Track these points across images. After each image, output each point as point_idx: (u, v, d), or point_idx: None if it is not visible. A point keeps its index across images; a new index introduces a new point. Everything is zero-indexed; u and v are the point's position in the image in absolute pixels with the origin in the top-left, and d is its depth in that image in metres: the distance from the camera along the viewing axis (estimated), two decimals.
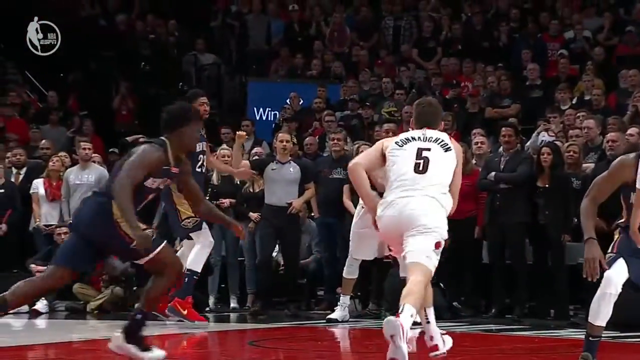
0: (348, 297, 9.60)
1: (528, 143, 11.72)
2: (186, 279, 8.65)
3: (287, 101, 14.80)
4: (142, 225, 6.16)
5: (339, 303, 9.61)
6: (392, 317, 5.55)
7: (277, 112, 15.12)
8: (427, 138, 6.18)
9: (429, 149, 6.13)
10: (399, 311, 5.57)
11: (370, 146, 6.77)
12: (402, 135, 6.26)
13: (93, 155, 12.25)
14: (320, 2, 17.49)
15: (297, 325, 9.43)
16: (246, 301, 11.17)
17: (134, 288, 11.42)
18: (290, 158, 10.48)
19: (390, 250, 6.61)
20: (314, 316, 10.32)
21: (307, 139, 12.74)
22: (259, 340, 8.33)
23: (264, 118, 15.50)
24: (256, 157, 11.20)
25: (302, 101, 14.83)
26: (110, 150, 13.67)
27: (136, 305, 6.41)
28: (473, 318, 9.72)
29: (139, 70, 16.37)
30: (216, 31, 17.56)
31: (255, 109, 15.55)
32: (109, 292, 11.10)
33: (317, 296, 11.32)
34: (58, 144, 13.87)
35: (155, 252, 6.15)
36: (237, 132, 9.97)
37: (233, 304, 11.16)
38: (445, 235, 5.98)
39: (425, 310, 6.21)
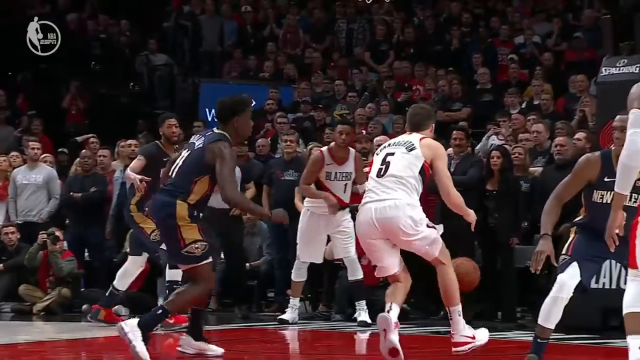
0: (297, 299, 9.57)
1: (478, 146, 11.77)
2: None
3: None
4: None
5: (289, 305, 9.56)
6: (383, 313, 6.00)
7: None
8: (398, 143, 6.49)
9: (392, 154, 6.41)
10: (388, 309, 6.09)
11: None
12: (384, 143, 6.73)
13: (43, 155, 12.08)
14: (273, 4, 17.44)
15: (247, 327, 9.36)
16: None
17: (82, 289, 11.28)
18: None
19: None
20: (264, 318, 10.26)
21: (259, 140, 12.69)
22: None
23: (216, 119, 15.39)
24: None
25: (254, 103, 14.72)
26: (60, 150, 13.49)
27: (161, 301, 6.55)
28: (422, 320, 9.73)
29: (90, 69, 16.18)
30: (169, 32, 17.43)
31: (207, 110, 15.43)
32: (55, 293, 10.95)
33: (268, 298, 11.26)
34: (5, 144, 13.66)
35: (200, 264, 6.39)
36: None
37: None
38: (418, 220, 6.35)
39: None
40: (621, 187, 4.79)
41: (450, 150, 10.14)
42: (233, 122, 6.49)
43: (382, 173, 6.39)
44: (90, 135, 13.25)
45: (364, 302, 9.29)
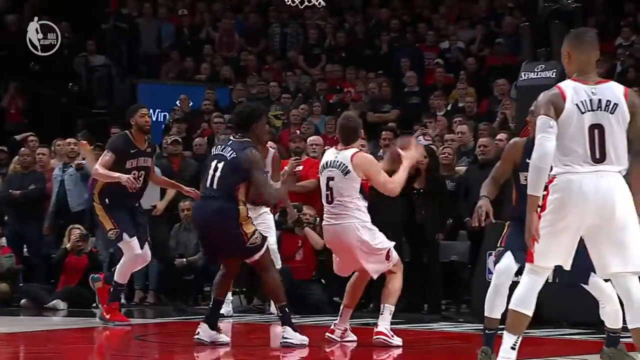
0: (230, 292, 9.57)
1: None
2: (112, 289, 8.66)
3: (177, 103, 14.66)
4: None
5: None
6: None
7: (167, 114, 14.97)
8: (334, 164, 6.99)
9: (332, 178, 6.98)
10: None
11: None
12: (323, 160, 7.15)
13: None
14: (209, 8, 17.39)
15: (183, 320, 9.34)
16: (134, 297, 11.02)
17: (20, 285, 11.12)
18: None
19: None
20: (200, 311, 10.24)
21: (197, 140, 12.66)
22: (145, 335, 8.21)
23: (154, 119, 15.23)
24: None
25: (191, 103, 14.71)
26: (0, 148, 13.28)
27: (272, 308, 7.31)
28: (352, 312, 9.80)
29: (29, 70, 15.93)
30: (107, 33, 17.26)
31: None
32: None
33: (205, 292, 11.24)
34: None
35: (263, 251, 6.88)
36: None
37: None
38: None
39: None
40: (533, 188, 4.83)
41: (380, 151, 10.24)
42: (253, 129, 6.86)
43: (329, 199, 6.99)
44: (29, 133, 13.07)
45: None
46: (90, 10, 17.63)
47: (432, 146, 10.91)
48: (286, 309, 6.89)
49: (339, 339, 7.15)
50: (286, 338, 6.85)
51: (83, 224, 10.75)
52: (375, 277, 7.12)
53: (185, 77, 16.04)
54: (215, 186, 6.79)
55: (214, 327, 7.05)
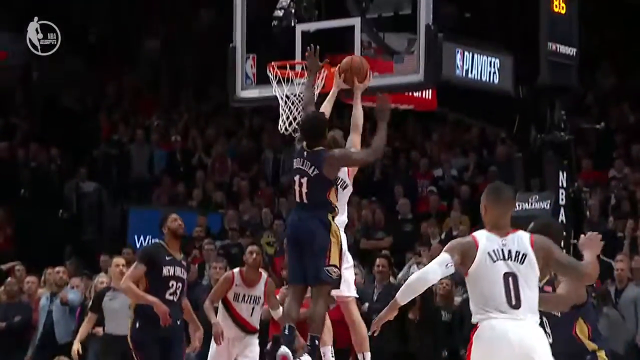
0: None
1: (400, 275, 11.89)
2: None
3: None
4: None
5: None
6: None
7: (158, 240, 14.94)
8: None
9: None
10: None
11: None
12: None
13: None
14: (202, 134, 17.65)
15: None
16: None
17: None
18: None
19: None
20: None
21: None
22: None
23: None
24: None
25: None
26: None
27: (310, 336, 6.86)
28: None
29: (19, 197, 16.04)
30: (98, 159, 17.46)
31: (136, 236, 15.34)
32: None
33: None
34: None
35: (329, 284, 6.75)
36: None
37: None
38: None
39: None
40: (401, 297, 5.17)
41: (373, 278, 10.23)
42: (326, 138, 6.89)
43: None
44: (15, 262, 13.04)
45: None
46: (81, 136, 17.90)
47: None
48: (316, 341, 6.78)
49: None
50: None
51: (70, 357, 10.62)
52: None
53: (177, 202, 16.14)
54: (305, 200, 6.82)
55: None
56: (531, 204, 9.02)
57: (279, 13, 7.91)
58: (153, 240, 15.03)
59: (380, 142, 6.90)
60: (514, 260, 5.07)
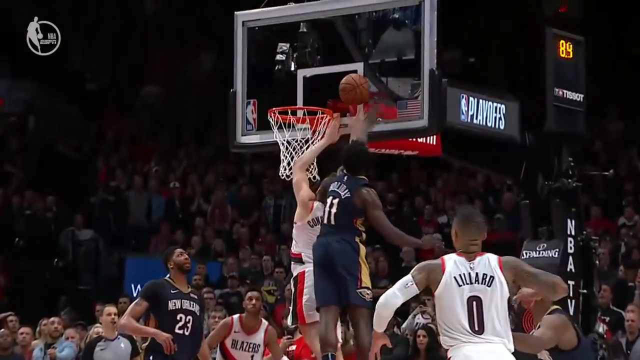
0: None
1: (404, 325, 11.80)
2: None
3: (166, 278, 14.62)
4: None
5: None
6: None
7: None
8: None
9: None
10: None
11: None
12: None
13: None
14: (201, 181, 17.64)
15: None
16: None
17: None
18: (117, 333, 9.91)
19: None
20: None
21: None
22: None
23: None
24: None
25: None
26: None
27: None
28: None
29: (13, 245, 16.00)
30: (95, 206, 17.44)
31: (133, 285, 15.26)
32: None
33: None
34: None
35: (369, 307, 6.84)
36: None
37: None
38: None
39: None
40: (376, 325, 5.50)
41: None
42: (367, 169, 7.25)
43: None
44: (8, 313, 12.94)
45: None
46: (78, 183, 17.91)
47: (431, 325, 10.84)
48: None
49: None
50: None
51: None
52: None
53: None
54: (333, 222, 7.04)
55: None
56: (539, 253, 8.95)
57: (281, 57, 7.95)
58: None
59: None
60: (481, 283, 5.25)
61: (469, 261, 5.29)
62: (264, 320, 8.97)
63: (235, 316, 9.09)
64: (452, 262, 5.30)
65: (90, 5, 20.37)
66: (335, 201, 7.11)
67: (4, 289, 15.52)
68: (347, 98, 7.51)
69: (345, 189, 7.13)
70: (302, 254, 7.44)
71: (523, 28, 17.20)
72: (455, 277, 5.26)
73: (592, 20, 16.28)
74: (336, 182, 7.23)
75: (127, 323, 7.88)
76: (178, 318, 7.82)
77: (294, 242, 7.58)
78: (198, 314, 7.97)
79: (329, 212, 7.11)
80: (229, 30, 8.49)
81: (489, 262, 5.31)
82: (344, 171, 7.24)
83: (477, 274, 5.25)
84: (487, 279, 5.24)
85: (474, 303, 5.21)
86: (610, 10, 16.77)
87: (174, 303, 7.84)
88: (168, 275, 8.01)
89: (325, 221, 7.13)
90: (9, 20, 18.91)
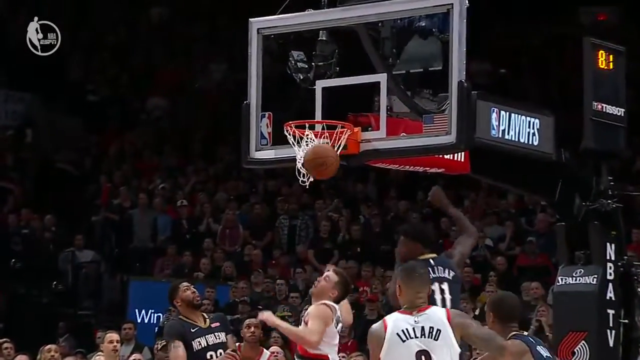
0: None
1: None
2: None
3: None
4: None
5: None
6: None
7: (161, 315, 14.90)
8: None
9: None
10: None
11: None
12: None
13: None
14: (211, 199, 17.66)
15: None
16: None
17: None
18: None
19: None
20: None
21: None
22: None
23: (147, 321, 15.25)
24: None
25: None
26: None
27: None
28: None
29: (9, 267, 16.07)
30: (97, 226, 17.49)
31: (137, 310, 15.31)
32: None
33: None
34: None
35: None
36: None
37: None
38: None
39: None
40: None
41: None
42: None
43: None
44: (3, 340, 12.97)
45: None
46: (79, 200, 17.97)
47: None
48: None
49: None
50: None
51: None
52: None
53: (182, 273, 16.07)
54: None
55: None
56: (576, 279, 8.88)
57: (303, 65, 7.94)
58: (156, 315, 15.20)
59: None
60: (428, 336, 5.55)
61: (414, 315, 5.61)
62: (265, 350, 8.90)
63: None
64: (392, 320, 5.63)
65: (93, 12, 20.51)
66: (445, 285, 7.30)
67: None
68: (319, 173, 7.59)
69: (444, 269, 7.35)
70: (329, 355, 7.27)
71: (558, 37, 17.19)
72: (398, 334, 5.56)
73: (633, 28, 16.25)
74: (429, 269, 7.07)
75: None
76: (208, 357, 7.76)
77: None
78: (226, 341, 7.87)
79: (442, 298, 7.26)
80: (240, 39, 8.49)
81: (437, 315, 5.63)
82: (420, 257, 7.37)
83: (422, 327, 5.57)
84: (434, 332, 5.55)
85: (423, 357, 5.53)
86: None
87: (199, 342, 7.76)
88: (178, 315, 7.94)
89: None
90: (4, 28, 19.06)
